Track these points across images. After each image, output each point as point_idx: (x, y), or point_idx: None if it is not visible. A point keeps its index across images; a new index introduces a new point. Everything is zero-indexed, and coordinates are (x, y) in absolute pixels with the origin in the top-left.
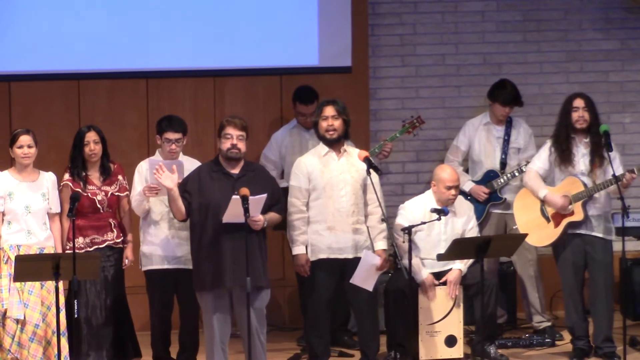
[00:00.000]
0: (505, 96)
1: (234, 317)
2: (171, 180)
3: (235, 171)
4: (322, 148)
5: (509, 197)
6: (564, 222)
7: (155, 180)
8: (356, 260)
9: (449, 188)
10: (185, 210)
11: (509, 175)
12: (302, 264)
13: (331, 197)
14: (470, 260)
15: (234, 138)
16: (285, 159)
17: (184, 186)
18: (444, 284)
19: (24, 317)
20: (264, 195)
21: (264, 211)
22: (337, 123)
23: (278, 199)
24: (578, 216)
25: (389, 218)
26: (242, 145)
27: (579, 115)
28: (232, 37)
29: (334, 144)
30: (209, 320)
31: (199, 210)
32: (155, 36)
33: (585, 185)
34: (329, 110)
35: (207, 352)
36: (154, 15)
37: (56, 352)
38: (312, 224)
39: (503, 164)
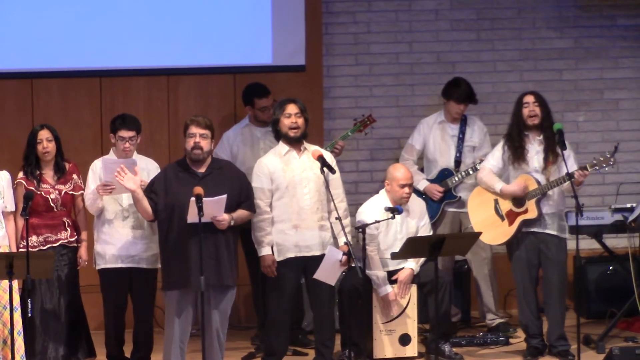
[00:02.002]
0: (459, 94)
1: (197, 316)
2: (133, 182)
3: (202, 170)
4: (282, 147)
5: (464, 196)
6: (518, 220)
7: (110, 179)
8: (322, 257)
9: (403, 186)
10: (152, 211)
11: (463, 173)
12: (268, 264)
13: (295, 196)
14: (423, 259)
15: (197, 136)
16: (237, 158)
17: (150, 187)
18: (396, 282)
19: None
20: (224, 197)
21: (233, 209)
22: (300, 121)
23: (247, 196)
24: (532, 214)
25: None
26: (205, 144)
27: (530, 110)
28: (186, 35)
29: (295, 143)
30: (171, 319)
31: (165, 210)
32: (109, 35)
33: (538, 182)
34: (293, 108)
35: (165, 350)
36: (107, 14)
37: (11, 351)
38: (277, 223)
39: (457, 162)
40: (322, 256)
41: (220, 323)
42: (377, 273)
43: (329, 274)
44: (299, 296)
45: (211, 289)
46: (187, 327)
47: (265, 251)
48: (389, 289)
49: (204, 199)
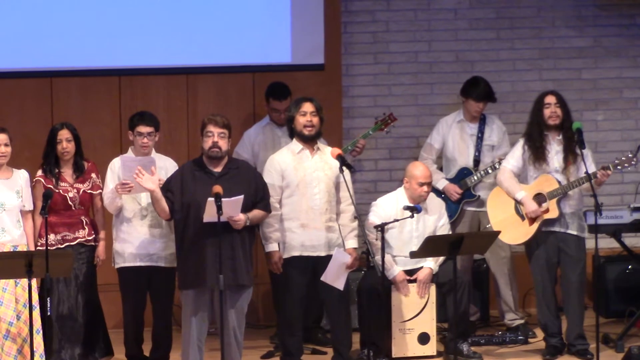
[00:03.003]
0: (478, 92)
1: (213, 315)
2: (152, 182)
3: (218, 169)
4: (296, 145)
5: (483, 195)
6: (539, 219)
7: (129, 178)
8: (329, 258)
9: (422, 185)
10: (169, 210)
11: (482, 172)
12: (275, 261)
13: (304, 195)
14: (442, 258)
15: (215, 136)
16: (258, 157)
17: (167, 185)
18: (415, 281)
19: None
20: (241, 197)
21: (248, 209)
22: (315, 120)
23: (262, 196)
24: (553, 214)
25: (361, 215)
26: (223, 143)
27: (552, 111)
28: (205, 34)
29: (309, 141)
30: (188, 318)
31: (181, 209)
32: (129, 34)
33: (559, 182)
34: (309, 107)
35: (183, 349)
36: (127, 13)
37: (30, 350)
38: (285, 221)
39: (476, 161)
40: (328, 257)
41: (237, 322)
42: (384, 258)
43: (336, 276)
44: (317, 295)
45: (227, 288)
46: (204, 326)
47: (272, 247)
48: (396, 270)
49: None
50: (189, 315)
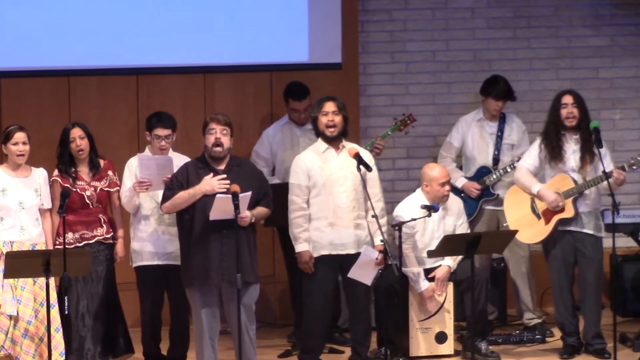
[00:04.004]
0: (498, 90)
1: (222, 313)
2: (209, 185)
3: (221, 167)
4: (321, 145)
5: (502, 194)
6: (555, 219)
7: (146, 176)
8: (357, 256)
9: (443, 184)
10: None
11: (501, 171)
12: (305, 260)
13: (331, 194)
14: (460, 256)
15: (217, 132)
16: (277, 156)
17: (172, 182)
18: (433, 280)
19: (17, 314)
20: (249, 193)
21: (252, 206)
22: (338, 119)
23: (265, 193)
24: (569, 213)
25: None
26: (225, 140)
27: (568, 111)
28: (223, 33)
29: (333, 141)
30: (198, 317)
31: (187, 207)
32: (146, 32)
33: (575, 182)
34: (330, 106)
35: (196, 348)
36: (144, 12)
37: (48, 348)
38: (313, 220)
39: (496, 160)
40: (357, 255)
41: (247, 318)
42: (413, 270)
43: (363, 273)
44: (336, 294)
45: (234, 285)
46: (215, 324)
47: (302, 247)
48: (425, 285)
49: (225, 195)
50: (199, 313)
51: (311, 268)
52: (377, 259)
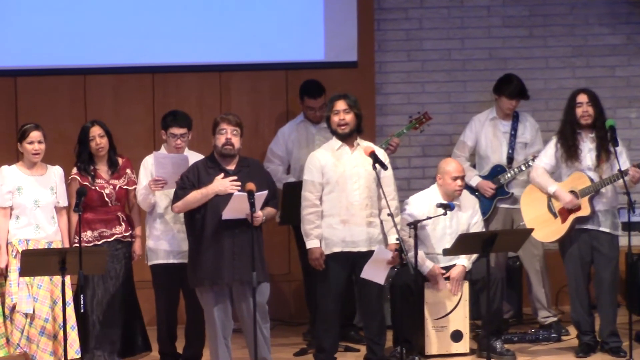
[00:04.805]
0: (511, 89)
1: (234, 311)
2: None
3: (231, 167)
4: (335, 142)
5: (516, 192)
6: (571, 217)
7: (162, 174)
8: (369, 254)
9: (455, 179)
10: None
11: (516, 169)
12: (316, 257)
13: (344, 191)
14: (475, 255)
15: (228, 133)
16: (292, 154)
17: (183, 183)
18: (448, 279)
19: (33, 312)
20: (265, 192)
21: (261, 206)
22: (349, 117)
23: (274, 194)
24: (585, 211)
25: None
26: (236, 141)
27: (583, 110)
28: (238, 32)
29: (347, 138)
30: (211, 316)
31: (197, 207)
32: (161, 31)
33: (591, 180)
34: (341, 105)
35: (210, 348)
36: (159, 11)
37: (63, 346)
38: (325, 217)
39: (510, 158)
40: (369, 252)
41: (260, 317)
42: (417, 254)
43: (376, 273)
44: (350, 292)
45: (245, 284)
46: (228, 323)
47: (313, 244)
48: (430, 264)
49: (242, 194)
50: (211, 313)
51: (321, 265)
52: (390, 258)
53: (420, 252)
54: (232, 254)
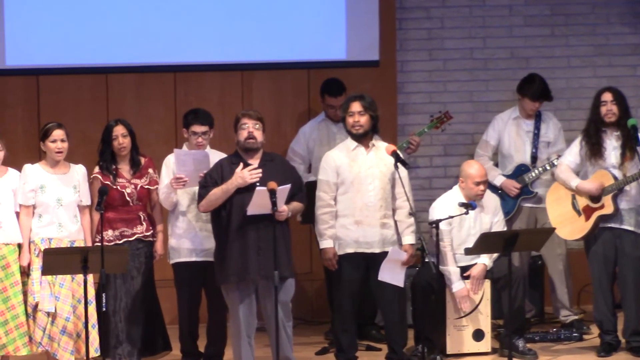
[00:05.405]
0: (534, 91)
1: (259, 309)
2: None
3: (255, 162)
4: (351, 142)
5: (540, 191)
6: (595, 215)
7: (182, 171)
8: (383, 255)
9: (478, 184)
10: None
11: (540, 169)
12: (329, 257)
13: (359, 192)
14: (497, 254)
15: (250, 127)
16: (313, 153)
17: (206, 180)
18: (468, 278)
19: (55, 310)
20: (288, 186)
21: (287, 201)
22: (363, 119)
23: (299, 188)
24: (608, 209)
25: (417, 212)
26: (258, 135)
27: (607, 109)
28: (260, 31)
29: (362, 139)
30: (235, 314)
31: (222, 203)
32: (183, 30)
33: (615, 178)
34: (355, 106)
35: (233, 346)
36: (181, 10)
37: (85, 345)
38: (339, 218)
39: (534, 157)
40: (382, 254)
41: (284, 314)
42: (450, 269)
43: (392, 275)
44: (371, 292)
45: (270, 280)
46: (252, 320)
47: (326, 244)
48: (461, 285)
49: (264, 188)
50: (236, 310)
51: (334, 265)
52: (404, 259)
53: (456, 270)
54: (257, 249)
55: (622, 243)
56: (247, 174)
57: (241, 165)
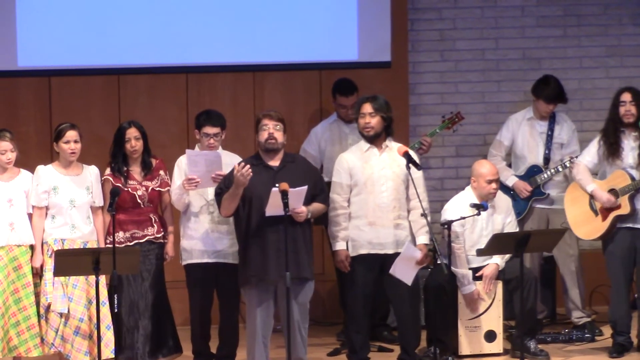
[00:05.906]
0: (548, 93)
1: (277, 311)
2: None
3: (276, 163)
4: (364, 144)
5: (552, 193)
6: (611, 215)
7: (194, 172)
8: (397, 256)
9: (490, 182)
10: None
11: (552, 170)
12: (342, 259)
13: (372, 193)
14: (509, 255)
15: (270, 127)
16: (325, 153)
17: (226, 182)
18: (481, 278)
19: (68, 311)
20: (305, 188)
21: (308, 202)
22: (374, 121)
23: (321, 189)
24: (625, 209)
25: (430, 213)
26: (279, 135)
27: (626, 109)
28: (272, 32)
29: (375, 140)
30: (253, 315)
31: (242, 204)
32: (195, 31)
33: (632, 178)
34: (366, 108)
35: (248, 346)
36: (193, 11)
37: (97, 346)
38: (353, 219)
39: (547, 159)
40: (395, 255)
41: (301, 316)
42: (462, 271)
43: (404, 271)
44: (383, 292)
45: (290, 282)
46: (269, 322)
47: (339, 246)
48: (472, 288)
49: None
50: (254, 311)
51: (347, 267)
52: (419, 257)
53: (468, 271)
54: (277, 250)
55: (638, 243)
56: (242, 171)
57: (235, 165)
